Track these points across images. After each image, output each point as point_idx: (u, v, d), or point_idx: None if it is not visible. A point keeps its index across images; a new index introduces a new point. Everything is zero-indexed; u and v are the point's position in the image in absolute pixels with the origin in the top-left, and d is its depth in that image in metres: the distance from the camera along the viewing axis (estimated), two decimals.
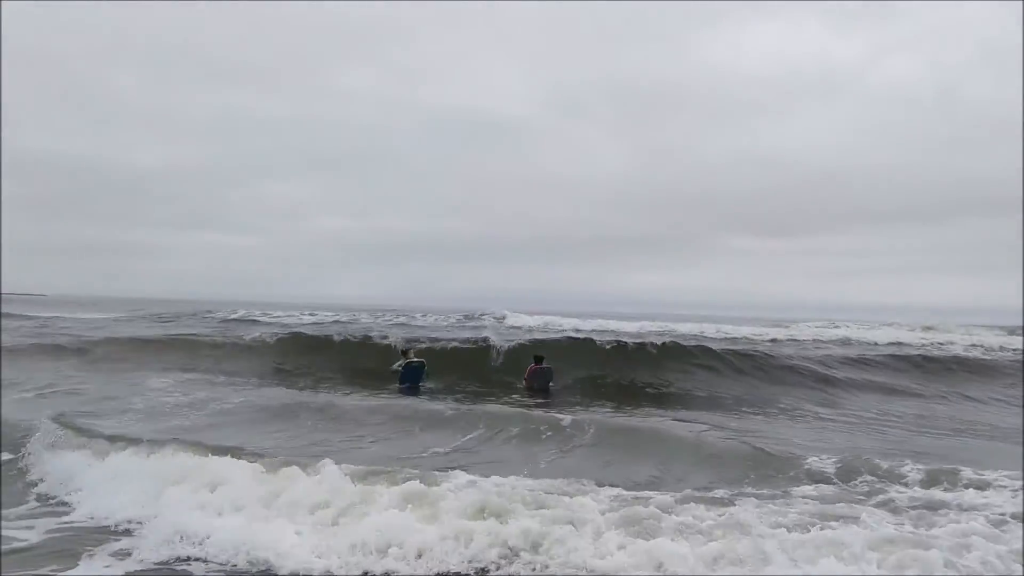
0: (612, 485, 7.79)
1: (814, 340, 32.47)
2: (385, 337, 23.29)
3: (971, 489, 7.75)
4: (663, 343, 21.86)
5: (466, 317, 47.37)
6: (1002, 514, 6.75)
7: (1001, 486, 7.86)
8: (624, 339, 22.21)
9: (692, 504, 6.94)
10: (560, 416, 12.04)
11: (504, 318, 46.69)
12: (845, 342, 32.24)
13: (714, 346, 22.25)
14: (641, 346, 21.41)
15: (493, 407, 13.92)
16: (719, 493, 7.77)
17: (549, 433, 11.17)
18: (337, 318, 43.75)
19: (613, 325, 42.62)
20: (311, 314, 47.85)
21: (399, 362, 18.04)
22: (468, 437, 11.22)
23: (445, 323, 39.05)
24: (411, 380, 17.74)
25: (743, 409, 15.53)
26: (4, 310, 40.92)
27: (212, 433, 11.11)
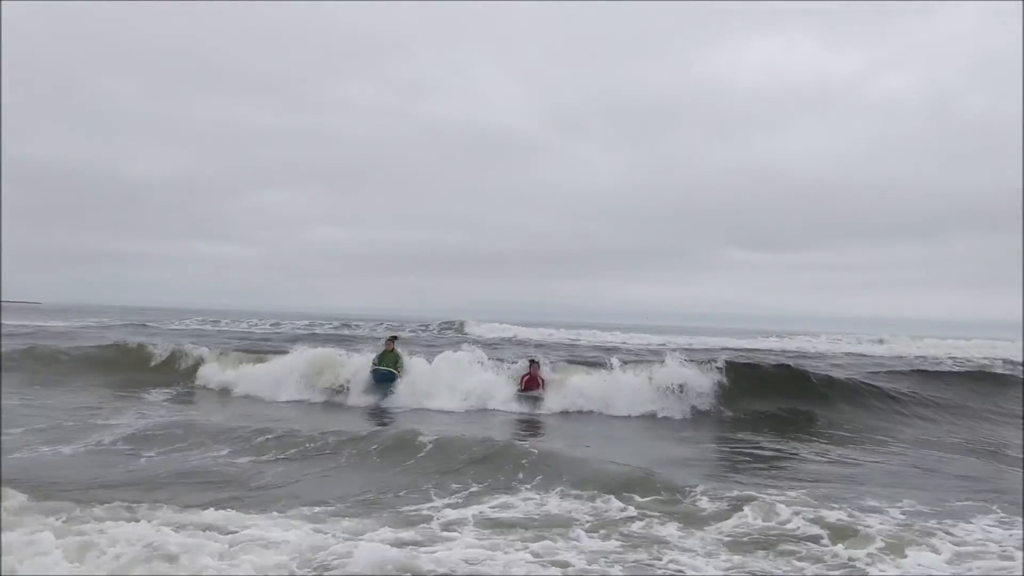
0: None
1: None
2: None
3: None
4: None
5: (443, 325, 46.54)
6: None
7: None
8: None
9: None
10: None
11: (463, 326, 47.70)
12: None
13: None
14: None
15: None
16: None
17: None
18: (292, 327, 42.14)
19: (599, 336, 41.83)
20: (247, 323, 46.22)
21: (375, 357, 16.33)
22: None
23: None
24: (380, 384, 15.78)
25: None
26: None
27: None
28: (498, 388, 15.64)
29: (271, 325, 45.53)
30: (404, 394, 15.46)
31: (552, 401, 15.26)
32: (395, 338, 17.18)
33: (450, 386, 15.65)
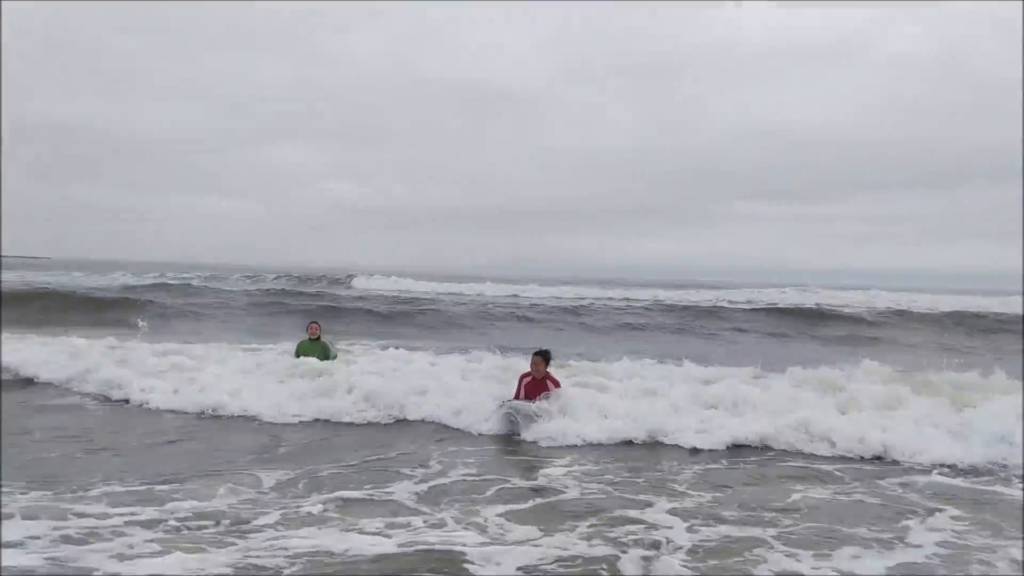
0: None
1: None
2: None
3: None
4: None
5: (329, 280, 41.41)
6: None
7: None
8: None
9: None
10: None
11: (351, 280, 44.93)
12: None
13: None
14: None
15: None
16: None
17: None
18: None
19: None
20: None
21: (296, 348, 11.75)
22: None
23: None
24: None
25: None
26: None
27: None
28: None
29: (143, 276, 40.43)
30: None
31: (589, 424, 8.47)
32: (318, 324, 12.10)
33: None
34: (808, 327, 25.57)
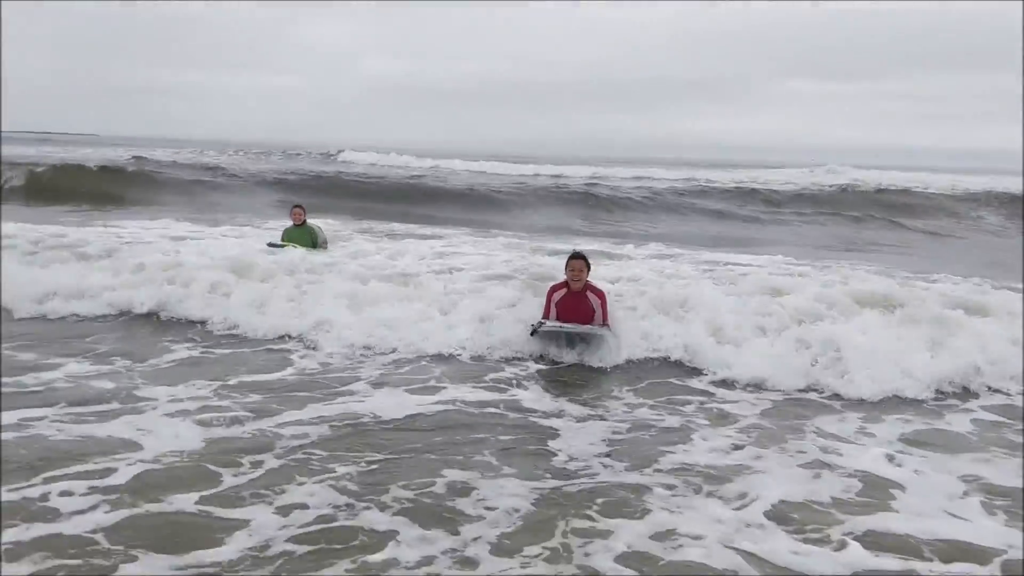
0: None
1: None
2: None
3: None
4: None
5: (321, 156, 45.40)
6: None
7: None
8: None
9: None
10: None
11: (340, 154, 45.74)
12: None
13: None
14: None
15: None
16: None
17: None
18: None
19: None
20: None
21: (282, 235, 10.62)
22: None
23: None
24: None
25: None
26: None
27: None
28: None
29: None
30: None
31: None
32: (302, 208, 10.77)
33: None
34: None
